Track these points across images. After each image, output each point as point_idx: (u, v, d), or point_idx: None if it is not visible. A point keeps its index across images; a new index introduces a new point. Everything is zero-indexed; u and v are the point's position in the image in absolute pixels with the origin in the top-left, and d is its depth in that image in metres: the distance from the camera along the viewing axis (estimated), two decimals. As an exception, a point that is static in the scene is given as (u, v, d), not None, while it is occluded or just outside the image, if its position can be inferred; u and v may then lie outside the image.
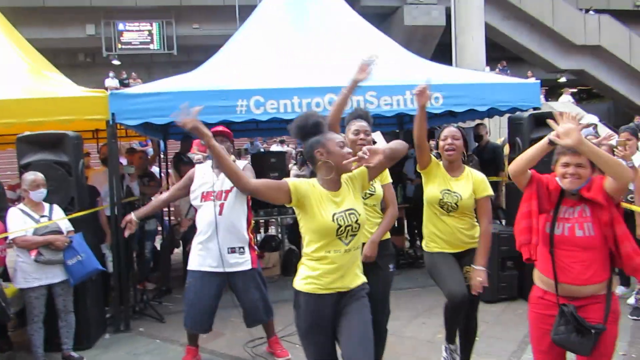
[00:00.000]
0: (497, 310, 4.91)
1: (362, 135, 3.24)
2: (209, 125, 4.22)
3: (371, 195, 3.27)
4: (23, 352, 4.33)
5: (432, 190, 3.30)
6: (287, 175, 7.07)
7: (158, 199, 4.35)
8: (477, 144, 7.09)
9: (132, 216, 3.85)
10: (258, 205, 6.18)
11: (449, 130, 3.29)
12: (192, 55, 20.93)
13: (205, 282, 3.85)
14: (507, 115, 5.71)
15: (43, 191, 4.00)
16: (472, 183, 3.25)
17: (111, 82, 18.55)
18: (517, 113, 5.42)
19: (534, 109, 5.40)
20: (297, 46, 5.79)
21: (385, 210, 3.35)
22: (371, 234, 3.25)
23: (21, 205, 4.01)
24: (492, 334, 4.33)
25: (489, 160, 6.68)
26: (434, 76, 5.45)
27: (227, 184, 3.74)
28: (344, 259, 2.47)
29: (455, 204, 3.22)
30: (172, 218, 7.33)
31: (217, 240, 3.78)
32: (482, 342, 3.96)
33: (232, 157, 3.77)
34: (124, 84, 17.32)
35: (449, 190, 3.25)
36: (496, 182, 6.54)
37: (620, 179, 2.34)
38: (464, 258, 3.29)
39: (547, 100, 17.74)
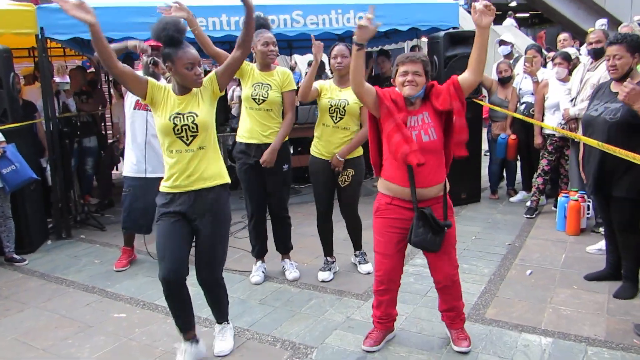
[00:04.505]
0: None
1: (271, 47, 3.59)
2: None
3: (264, 100, 3.66)
4: (-33, 256, 4.61)
5: (323, 101, 3.75)
6: (225, 94, 7.25)
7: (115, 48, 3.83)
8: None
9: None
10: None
11: (338, 49, 3.68)
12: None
13: (142, 187, 4.13)
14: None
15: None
16: None
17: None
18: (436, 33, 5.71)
19: (453, 28, 5.71)
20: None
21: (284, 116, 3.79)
22: (266, 137, 3.69)
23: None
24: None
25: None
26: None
27: None
28: (187, 159, 2.66)
29: (343, 108, 3.67)
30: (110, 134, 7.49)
31: (152, 147, 4.08)
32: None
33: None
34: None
35: (334, 97, 3.72)
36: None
37: (478, 75, 2.62)
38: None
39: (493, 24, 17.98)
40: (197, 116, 2.65)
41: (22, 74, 6.73)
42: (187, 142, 2.66)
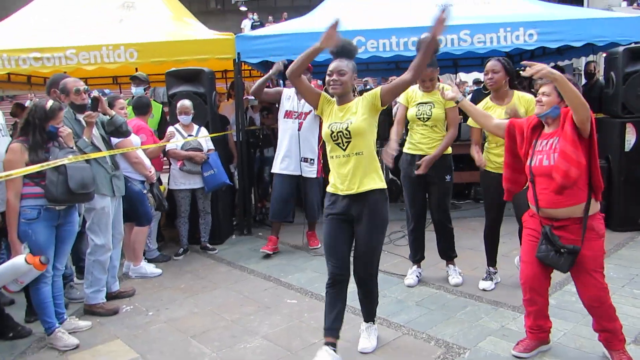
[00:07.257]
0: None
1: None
2: (320, 64, 4.97)
3: (428, 118, 3.93)
4: (172, 243, 5.61)
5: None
6: (390, 110, 7.59)
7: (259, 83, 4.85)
8: (586, 81, 7.08)
9: None
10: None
11: (489, 64, 3.75)
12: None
13: (285, 182, 5.07)
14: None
15: (185, 117, 5.06)
16: (523, 104, 3.69)
17: (247, 22, 20.20)
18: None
19: (635, 43, 5.37)
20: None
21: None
22: (430, 149, 3.95)
23: (176, 125, 5.14)
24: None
25: (595, 97, 6.68)
26: (529, 12, 5.66)
27: (307, 107, 4.89)
28: (346, 164, 2.87)
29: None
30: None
31: (298, 151, 4.95)
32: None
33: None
34: (254, 26, 18.56)
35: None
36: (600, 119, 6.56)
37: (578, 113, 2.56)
38: None
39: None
40: (351, 123, 2.84)
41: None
42: (344, 147, 2.87)
